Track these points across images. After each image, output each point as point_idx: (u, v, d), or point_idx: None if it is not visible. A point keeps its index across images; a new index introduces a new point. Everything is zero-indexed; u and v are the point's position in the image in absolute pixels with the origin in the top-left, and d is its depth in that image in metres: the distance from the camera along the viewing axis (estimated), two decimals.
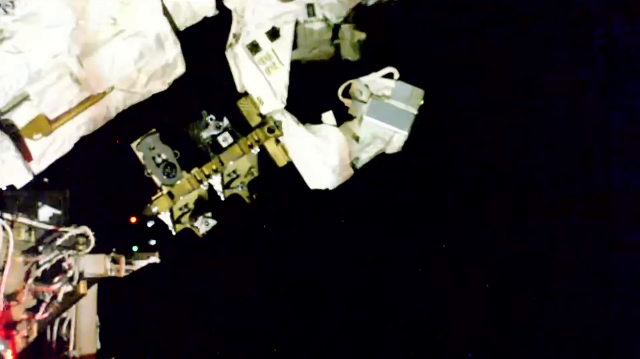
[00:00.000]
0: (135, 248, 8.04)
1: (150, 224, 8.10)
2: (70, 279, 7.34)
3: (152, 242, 8.15)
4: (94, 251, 7.62)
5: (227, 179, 8.28)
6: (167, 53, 7.73)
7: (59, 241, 7.37)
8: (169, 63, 7.80)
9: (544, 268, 9.35)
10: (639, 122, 9.36)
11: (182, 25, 7.93)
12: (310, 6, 8.13)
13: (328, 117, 8.37)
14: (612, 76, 9.45)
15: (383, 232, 9.31)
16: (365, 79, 8.36)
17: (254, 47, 8.07)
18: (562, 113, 9.45)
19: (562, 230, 9.33)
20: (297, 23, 8.21)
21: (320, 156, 8.23)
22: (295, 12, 8.12)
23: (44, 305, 7.16)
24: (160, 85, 7.92)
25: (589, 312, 9.29)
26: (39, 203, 7.46)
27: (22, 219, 7.12)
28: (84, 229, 7.54)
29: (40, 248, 7.24)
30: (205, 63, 8.24)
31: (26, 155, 7.32)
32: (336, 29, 8.43)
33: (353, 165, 8.36)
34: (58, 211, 7.57)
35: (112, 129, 7.93)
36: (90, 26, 7.32)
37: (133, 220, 8.15)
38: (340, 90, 8.43)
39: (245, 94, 8.25)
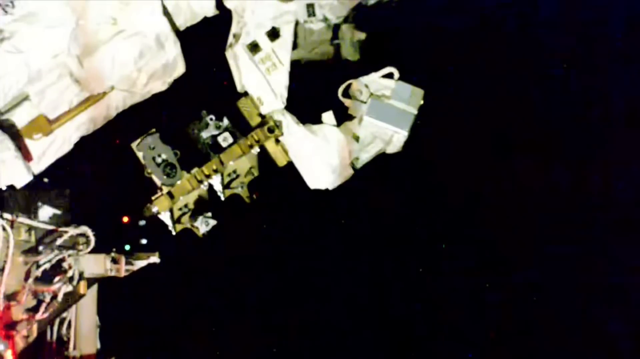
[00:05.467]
0: (127, 247, 8.03)
1: (142, 223, 8.10)
2: (70, 279, 7.33)
3: (144, 241, 8.15)
4: (94, 251, 7.62)
5: (227, 179, 8.28)
6: (167, 53, 7.74)
7: (59, 241, 7.36)
8: (169, 63, 7.80)
9: (543, 268, 9.35)
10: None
11: (182, 25, 7.93)
12: (310, 6, 8.13)
13: (328, 117, 8.37)
14: (614, 77, 9.47)
15: (383, 232, 9.31)
16: (365, 79, 8.35)
17: (254, 47, 8.07)
18: (563, 113, 9.46)
19: (562, 230, 9.33)
20: (297, 23, 8.21)
21: (320, 156, 8.23)
22: (295, 12, 8.12)
23: (44, 305, 7.15)
24: (160, 85, 7.92)
25: (588, 312, 9.29)
26: (39, 203, 7.45)
27: (22, 219, 7.12)
28: (84, 229, 7.53)
29: (40, 248, 7.24)
30: (205, 63, 8.24)
31: (26, 155, 7.32)
32: (336, 29, 8.43)
33: (353, 165, 8.36)
34: (58, 211, 7.57)
35: (112, 129, 7.93)
36: (90, 26, 7.33)
37: (125, 219, 8.15)
38: (340, 90, 8.43)
39: (245, 94, 8.25)
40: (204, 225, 8.23)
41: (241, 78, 8.18)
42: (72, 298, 7.48)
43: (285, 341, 9.22)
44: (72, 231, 7.46)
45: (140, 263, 7.99)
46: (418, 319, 9.35)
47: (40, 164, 7.52)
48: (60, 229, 7.44)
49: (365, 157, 8.36)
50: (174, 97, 8.07)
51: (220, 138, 8.15)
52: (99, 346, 8.13)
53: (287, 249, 9.16)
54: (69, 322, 7.83)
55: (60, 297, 7.26)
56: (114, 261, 7.82)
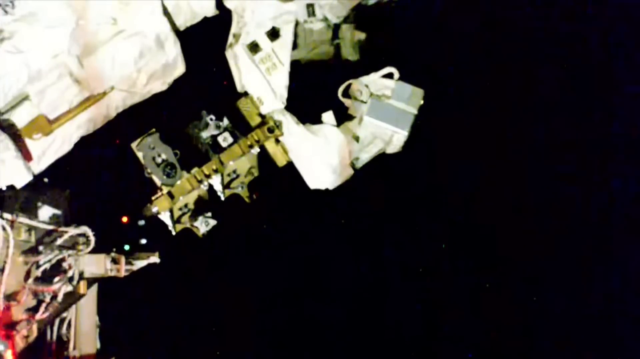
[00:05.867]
0: (127, 247, 8.03)
1: (141, 223, 8.10)
2: (70, 279, 7.33)
3: (143, 241, 8.15)
4: (94, 251, 7.61)
5: (227, 179, 8.28)
6: (167, 53, 7.74)
7: (59, 241, 7.36)
8: (169, 63, 7.80)
9: (544, 268, 9.35)
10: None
11: (182, 25, 7.93)
12: (310, 6, 8.13)
13: (328, 117, 8.37)
14: (613, 78, 9.46)
15: (383, 232, 9.31)
16: (365, 79, 8.35)
17: (254, 47, 8.07)
18: (562, 113, 9.46)
19: (562, 231, 9.33)
20: (297, 23, 8.21)
21: (320, 156, 8.23)
22: (295, 12, 8.12)
23: (44, 305, 7.14)
24: (160, 85, 7.92)
25: (588, 313, 9.29)
26: (39, 203, 7.45)
27: (22, 219, 7.11)
28: (84, 229, 7.52)
29: (40, 248, 7.23)
30: (205, 63, 8.24)
31: (26, 155, 7.32)
32: (336, 29, 8.43)
33: (353, 165, 8.36)
34: (58, 211, 7.57)
35: (112, 129, 7.93)
36: (90, 26, 7.33)
37: (125, 219, 8.15)
38: (340, 90, 8.43)
39: (245, 94, 8.25)
40: (204, 225, 8.24)
41: (241, 78, 8.19)
42: (72, 298, 7.48)
43: (285, 341, 9.22)
44: (72, 231, 7.46)
45: (140, 263, 7.99)
46: (418, 320, 9.35)
47: (40, 164, 7.52)
48: (60, 229, 7.44)
49: (365, 157, 8.35)
50: (174, 97, 8.07)
51: (220, 138, 8.15)
52: (99, 346, 8.13)
53: (287, 249, 9.16)
54: (69, 322, 7.83)
55: (60, 297, 7.25)
56: (114, 261, 7.81)
